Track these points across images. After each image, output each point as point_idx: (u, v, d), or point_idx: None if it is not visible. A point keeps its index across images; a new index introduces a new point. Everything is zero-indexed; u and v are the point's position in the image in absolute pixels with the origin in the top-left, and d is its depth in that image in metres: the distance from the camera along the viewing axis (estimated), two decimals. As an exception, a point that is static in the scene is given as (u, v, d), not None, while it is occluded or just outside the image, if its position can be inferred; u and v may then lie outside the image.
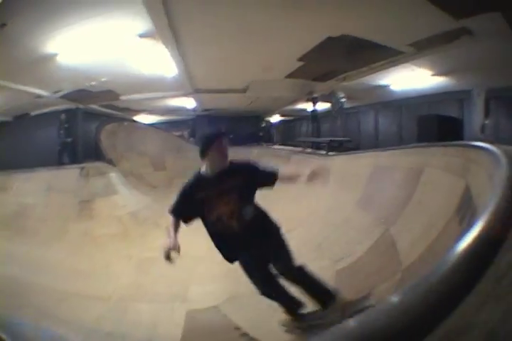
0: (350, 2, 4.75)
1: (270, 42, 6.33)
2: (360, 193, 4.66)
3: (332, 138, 9.11)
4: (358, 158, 5.95)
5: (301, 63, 7.54)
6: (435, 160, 3.46)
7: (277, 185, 2.30)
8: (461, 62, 6.47)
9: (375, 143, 10.54)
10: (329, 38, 5.98)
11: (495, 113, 6.95)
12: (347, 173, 5.51)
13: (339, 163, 6.29)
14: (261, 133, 16.63)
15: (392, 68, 7.36)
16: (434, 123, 5.77)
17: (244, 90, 9.89)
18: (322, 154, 8.10)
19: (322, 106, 11.65)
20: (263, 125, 17.36)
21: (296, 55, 7.00)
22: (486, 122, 5.97)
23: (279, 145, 14.11)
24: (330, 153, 7.82)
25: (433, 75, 7.59)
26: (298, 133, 15.98)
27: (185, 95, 10.49)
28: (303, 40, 6.29)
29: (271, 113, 16.51)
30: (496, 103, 6.89)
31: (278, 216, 2.40)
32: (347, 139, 9.58)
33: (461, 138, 5.37)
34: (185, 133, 15.97)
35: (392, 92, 9.35)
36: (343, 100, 9.97)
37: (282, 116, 17.35)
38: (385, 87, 9.21)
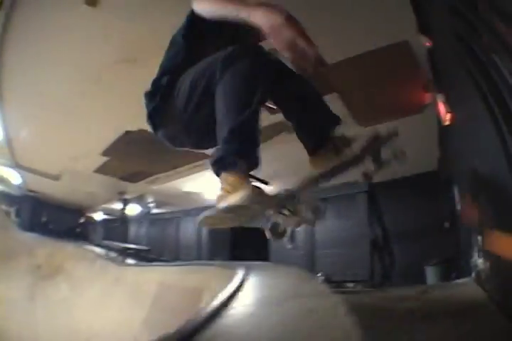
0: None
1: (78, 131, 6.07)
2: (146, 311, 4.38)
3: (127, 246, 8.68)
4: (150, 270, 5.76)
5: (106, 158, 7.16)
6: (214, 281, 3.29)
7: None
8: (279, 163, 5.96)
9: (176, 254, 10.35)
10: (127, 132, 5.72)
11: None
12: (137, 287, 5.21)
13: (130, 274, 5.97)
14: (78, 230, 15.26)
15: (202, 172, 7.03)
16: (227, 235, 5.42)
17: (57, 177, 9.17)
18: (119, 262, 7.61)
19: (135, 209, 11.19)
20: (82, 220, 15.86)
21: (99, 148, 6.63)
22: (297, 229, 5.46)
23: (94, 245, 12.61)
24: (127, 262, 7.41)
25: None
26: (121, 234, 15.08)
27: (8, 166, 9.33)
28: (102, 133, 5.99)
29: (92, 209, 15.17)
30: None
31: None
32: (145, 248, 9.22)
33: (267, 250, 5.11)
34: (13, 210, 13.76)
35: (203, 199, 9.17)
36: (151, 205, 9.87)
37: (106, 214, 15.83)
38: (196, 193, 8.94)
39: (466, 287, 2.50)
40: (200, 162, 6.58)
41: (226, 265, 3.53)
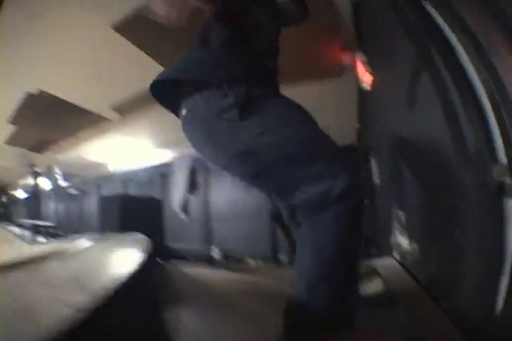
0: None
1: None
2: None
3: (36, 223, 8.08)
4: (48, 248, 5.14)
5: (14, 127, 6.40)
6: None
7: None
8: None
9: (80, 229, 9.97)
10: (30, 96, 5.05)
11: (206, 186, 6.43)
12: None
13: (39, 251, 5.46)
14: (1, 209, 14.97)
15: (105, 138, 6.58)
16: (115, 205, 4.98)
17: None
18: (30, 240, 6.93)
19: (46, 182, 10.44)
20: (4, 199, 15.42)
21: (5, 115, 5.85)
22: (192, 197, 5.05)
23: (14, 225, 11.69)
24: (38, 240, 6.86)
25: (148, 146, 6.95)
26: (35, 211, 14.05)
27: None
28: (5, 96, 5.20)
29: (12, 186, 14.24)
30: (206, 174, 6.24)
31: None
32: (52, 225, 8.70)
33: (160, 221, 4.75)
34: None
35: (107, 169, 8.66)
36: (59, 177, 9.30)
37: (25, 191, 14.67)
38: (99, 163, 8.48)
39: (387, 268, 2.28)
40: (101, 124, 6.10)
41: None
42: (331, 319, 1.04)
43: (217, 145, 1.23)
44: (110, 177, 9.36)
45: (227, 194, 7.62)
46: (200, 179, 4.60)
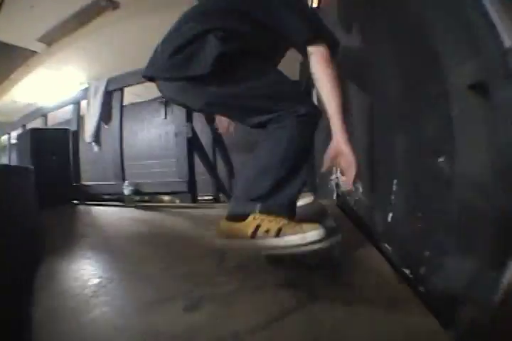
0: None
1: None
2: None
3: None
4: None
5: None
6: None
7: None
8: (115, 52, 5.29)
9: None
10: None
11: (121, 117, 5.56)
12: None
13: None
14: None
15: (34, 75, 6.27)
16: (27, 140, 4.48)
17: None
18: None
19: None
20: None
21: None
22: (106, 126, 4.38)
23: None
24: None
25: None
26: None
27: None
28: None
29: None
30: (120, 97, 5.05)
31: None
32: None
33: (76, 156, 4.28)
34: None
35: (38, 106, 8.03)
36: None
37: None
38: (32, 103, 7.82)
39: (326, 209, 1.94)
40: (30, 61, 5.76)
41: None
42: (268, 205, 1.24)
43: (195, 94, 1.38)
44: (33, 115, 8.54)
45: (144, 129, 7.06)
46: (115, 106, 3.97)
